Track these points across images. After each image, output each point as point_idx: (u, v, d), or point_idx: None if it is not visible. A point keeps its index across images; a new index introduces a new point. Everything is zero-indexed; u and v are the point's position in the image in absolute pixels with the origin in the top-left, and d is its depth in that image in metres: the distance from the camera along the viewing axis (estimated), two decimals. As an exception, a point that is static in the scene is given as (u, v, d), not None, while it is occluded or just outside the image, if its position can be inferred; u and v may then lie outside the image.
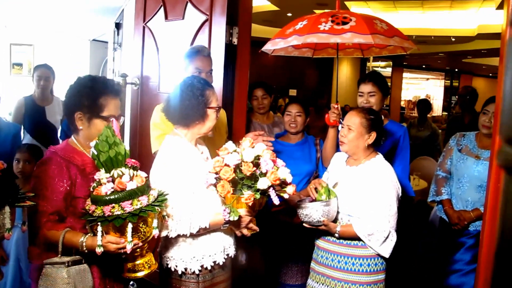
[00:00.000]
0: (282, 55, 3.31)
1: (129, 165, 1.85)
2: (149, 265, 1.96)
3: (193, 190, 2.18)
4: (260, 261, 3.27)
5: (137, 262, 1.94)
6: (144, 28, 3.78)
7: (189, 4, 3.35)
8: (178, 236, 2.13)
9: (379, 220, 2.32)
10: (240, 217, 2.12)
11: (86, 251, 1.88)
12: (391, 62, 17.52)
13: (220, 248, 2.27)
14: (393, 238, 2.36)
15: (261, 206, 2.24)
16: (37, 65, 4.79)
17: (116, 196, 1.75)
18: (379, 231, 2.31)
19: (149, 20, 3.72)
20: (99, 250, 1.79)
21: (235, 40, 3.19)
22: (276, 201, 2.09)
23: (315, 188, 2.45)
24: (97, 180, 1.82)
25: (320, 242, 2.55)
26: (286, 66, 13.54)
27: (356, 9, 9.84)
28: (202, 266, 2.22)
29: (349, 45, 3.28)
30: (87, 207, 1.82)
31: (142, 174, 1.89)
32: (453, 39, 12.16)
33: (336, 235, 2.39)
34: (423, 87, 22.04)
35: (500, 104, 0.53)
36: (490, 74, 19.86)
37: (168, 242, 2.22)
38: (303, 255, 2.99)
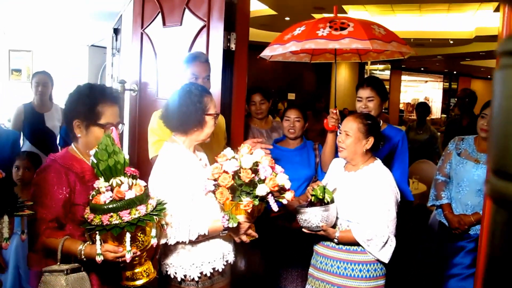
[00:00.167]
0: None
1: (128, 174, 1.85)
2: (147, 273, 1.96)
3: (192, 197, 2.18)
4: (260, 266, 3.27)
5: (136, 271, 1.94)
6: (142, 35, 3.78)
7: (186, 10, 3.36)
8: (177, 243, 2.13)
9: (378, 225, 2.31)
10: (239, 223, 2.12)
11: (84, 259, 1.89)
12: (389, 65, 17.57)
13: (219, 255, 2.27)
14: (392, 243, 2.36)
15: (260, 213, 2.24)
16: (35, 72, 4.80)
17: (114, 205, 1.75)
18: (378, 236, 2.31)
19: (147, 26, 3.73)
20: (99, 258, 1.79)
21: (233, 46, 3.19)
22: (275, 207, 2.10)
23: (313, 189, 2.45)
24: (96, 188, 1.83)
25: (318, 248, 2.55)
26: (285, 70, 13.56)
27: (354, 13, 9.86)
28: (201, 273, 2.22)
29: (347, 50, 3.28)
30: (86, 216, 1.83)
31: (141, 183, 1.89)
32: (451, 42, 12.19)
33: (335, 240, 2.39)
34: (422, 90, 22.06)
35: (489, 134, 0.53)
36: (489, 76, 19.90)
37: (167, 249, 2.22)
38: (303, 260, 2.99)
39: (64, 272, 1.87)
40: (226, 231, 2.18)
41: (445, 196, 3.19)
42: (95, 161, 1.83)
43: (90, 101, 2.05)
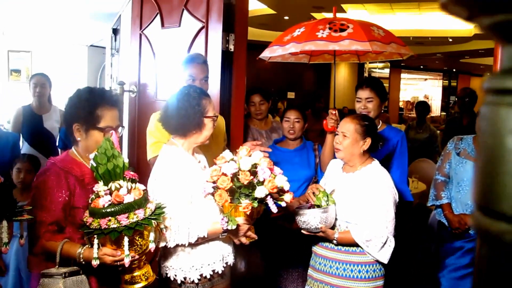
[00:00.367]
0: (280, 59, 3.32)
1: (128, 178, 1.86)
2: (146, 277, 1.97)
3: (191, 200, 2.18)
4: (260, 267, 3.27)
5: (135, 274, 1.94)
6: (140, 36, 3.78)
7: (185, 12, 3.35)
8: (177, 245, 2.13)
9: (376, 226, 2.32)
10: (238, 225, 2.12)
11: (83, 262, 1.90)
12: (389, 64, 17.56)
13: (219, 257, 2.27)
14: (391, 243, 2.36)
15: (259, 214, 2.24)
16: (33, 74, 4.80)
17: (112, 209, 1.76)
18: (377, 237, 2.31)
19: (145, 28, 3.72)
20: (94, 262, 1.80)
21: (231, 47, 3.19)
22: (274, 209, 2.09)
23: (313, 193, 2.46)
24: (96, 192, 1.83)
25: (318, 249, 2.55)
26: (284, 69, 13.56)
27: (353, 11, 9.85)
28: (201, 275, 2.22)
29: (346, 51, 3.29)
30: (85, 219, 1.83)
31: (141, 186, 1.90)
32: (450, 40, 12.18)
33: (334, 241, 2.39)
34: (421, 88, 22.06)
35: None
36: (488, 74, 19.84)
37: (167, 252, 2.22)
38: (303, 261, 2.99)
39: (62, 275, 1.88)
40: (226, 233, 2.18)
41: (445, 196, 3.19)
42: (95, 165, 1.83)
43: (90, 105, 2.06)
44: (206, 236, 2.13)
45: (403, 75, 19.68)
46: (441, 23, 10.89)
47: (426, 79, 22.07)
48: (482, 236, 0.49)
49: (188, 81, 2.71)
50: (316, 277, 2.53)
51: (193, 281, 2.21)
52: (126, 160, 1.91)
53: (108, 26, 6.32)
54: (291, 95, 14.29)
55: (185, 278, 2.20)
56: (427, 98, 20.00)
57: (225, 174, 2.07)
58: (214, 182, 2.09)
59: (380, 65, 17.70)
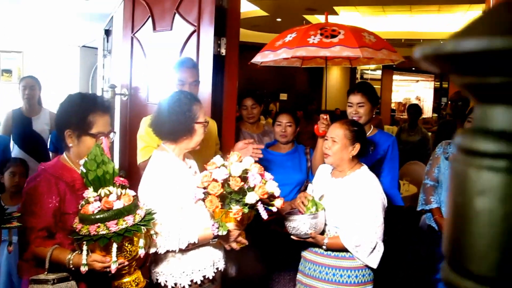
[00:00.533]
0: (272, 60, 3.33)
1: (118, 184, 1.86)
2: (136, 283, 1.97)
3: (182, 205, 2.18)
4: (252, 271, 3.27)
5: (125, 280, 1.94)
6: (132, 39, 3.77)
7: (177, 15, 3.35)
8: (168, 251, 2.13)
9: (366, 232, 2.33)
10: (229, 231, 2.13)
11: (73, 268, 1.89)
12: (381, 65, 17.61)
13: (209, 262, 2.27)
14: (380, 248, 2.37)
15: (250, 220, 2.24)
16: (22, 77, 4.78)
17: (102, 215, 1.76)
18: (366, 242, 2.32)
19: (137, 31, 3.72)
20: (83, 268, 1.80)
21: (223, 51, 3.19)
22: (264, 215, 2.10)
23: (303, 203, 2.46)
24: (86, 198, 1.83)
25: (307, 254, 2.56)
26: (277, 71, 13.57)
27: (345, 13, 9.88)
28: (191, 281, 2.22)
29: (338, 56, 3.30)
30: (74, 225, 1.83)
31: (131, 192, 1.90)
32: (442, 42, 12.23)
33: (324, 247, 2.40)
34: (413, 89, 22.12)
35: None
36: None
37: (157, 257, 2.22)
38: (295, 264, 3.00)
39: (51, 281, 1.88)
40: (216, 239, 2.18)
41: (434, 201, 3.21)
42: (84, 171, 1.83)
43: (81, 111, 2.06)
44: (196, 242, 2.13)
45: (395, 77, 19.74)
46: (433, 25, 10.97)
47: (418, 81, 22.15)
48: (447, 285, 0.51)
49: (178, 85, 2.72)
50: (305, 282, 2.53)
51: (183, 286, 2.20)
52: (116, 166, 1.91)
53: (100, 27, 6.29)
54: (283, 96, 14.30)
55: (175, 284, 2.20)
56: (419, 100, 20.08)
57: (215, 180, 2.07)
58: (204, 188, 2.09)
59: (372, 66, 17.75)
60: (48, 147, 4.58)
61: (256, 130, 3.83)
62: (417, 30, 11.22)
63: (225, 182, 2.09)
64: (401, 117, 17.23)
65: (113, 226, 1.74)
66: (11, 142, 4.43)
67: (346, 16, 9.99)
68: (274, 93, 13.82)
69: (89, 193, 1.82)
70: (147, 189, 2.17)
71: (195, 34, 3.22)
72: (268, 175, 2.18)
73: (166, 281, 2.21)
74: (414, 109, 6.48)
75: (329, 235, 2.43)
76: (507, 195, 0.44)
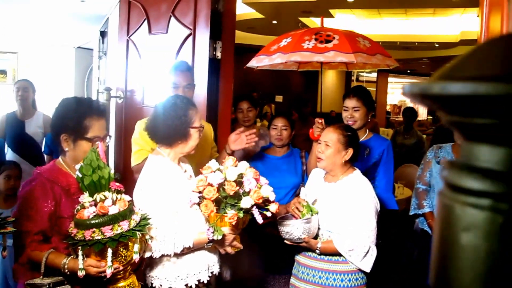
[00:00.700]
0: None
1: (113, 189, 1.86)
2: (132, 287, 1.97)
3: (177, 209, 2.18)
4: (246, 274, 3.27)
5: (120, 285, 1.95)
6: (128, 42, 3.78)
7: (172, 18, 3.35)
8: (162, 255, 2.13)
9: (359, 236, 2.34)
10: (224, 235, 2.13)
11: (68, 273, 1.89)
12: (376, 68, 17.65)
13: (204, 267, 2.27)
14: (373, 252, 2.38)
15: (245, 224, 2.25)
16: (17, 80, 4.79)
17: (97, 220, 1.76)
18: (359, 246, 2.33)
19: (133, 34, 3.72)
20: (80, 273, 1.80)
21: (218, 54, 3.20)
22: (259, 220, 2.11)
23: (297, 208, 2.47)
24: (81, 203, 1.83)
25: (300, 258, 2.57)
26: (272, 73, 13.58)
27: (341, 16, 9.91)
28: (186, 285, 2.22)
29: (332, 61, 3.32)
30: (70, 230, 1.83)
31: (126, 197, 1.90)
32: (437, 45, 12.31)
33: (317, 251, 2.41)
34: (408, 92, 22.22)
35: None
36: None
37: (152, 261, 2.22)
38: (290, 267, 3.00)
39: (46, 286, 1.88)
40: (211, 243, 2.18)
41: (427, 205, 3.23)
42: (80, 176, 1.83)
43: (77, 115, 2.06)
44: (191, 246, 2.13)
45: (390, 79, 19.81)
46: (428, 28, 11.03)
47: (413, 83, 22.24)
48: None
49: (172, 88, 2.72)
50: (298, 286, 2.54)
51: (178, 290, 2.21)
52: (112, 171, 1.91)
53: (95, 28, 6.28)
54: (279, 98, 14.32)
55: (170, 288, 2.20)
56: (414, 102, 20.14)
57: (211, 185, 2.08)
58: (200, 192, 2.09)
59: (368, 69, 17.80)
60: (43, 150, 4.57)
61: (251, 133, 3.83)
62: (412, 33, 11.27)
63: (221, 187, 2.09)
64: (396, 119, 17.29)
65: (108, 232, 1.74)
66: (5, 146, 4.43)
67: (342, 19, 10.02)
68: (270, 95, 13.84)
69: (85, 198, 1.83)
70: (142, 193, 2.17)
71: (191, 37, 3.23)
72: (263, 180, 2.19)
73: (161, 285, 2.20)
74: (410, 112, 6.51)
75: (323, 239, 2.44)
76: (491, 232, 0.44)
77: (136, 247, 1.87)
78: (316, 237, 2.43)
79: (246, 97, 3.80)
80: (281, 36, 2.83)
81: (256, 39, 11.22)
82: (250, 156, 3.25)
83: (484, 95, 0.41)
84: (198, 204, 2.09)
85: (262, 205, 2.16)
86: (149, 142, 2.42)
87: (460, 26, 10.50)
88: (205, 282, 2.27)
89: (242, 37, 10.60)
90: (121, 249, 1.84)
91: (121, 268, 1.87)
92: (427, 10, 9.64)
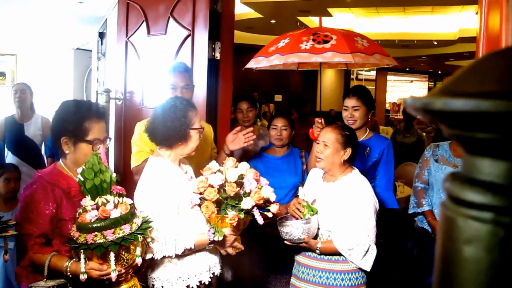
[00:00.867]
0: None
1: (115, 192, 1.86)
2: (133, 289, 1.97)
3: (178, 211, 2.19)
4: (248, 274, 3.28)
5: (122, 287, 1.95)
6: (126, 43, 3.78)
7: (171, 19, 3.36)
8: (164, 257, 2.13)
9: (358, 235, 2.34)
10: (224, 236, 2.13)
11: (70, 275, 1.90)
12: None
13: (205, 268, 2.28)
14: (373, 251, 2.39)
15: (246, 225, 2.25)
16: (15, 83, 4.81)
17: (99, 224, 1.77)
18: (359, 245, 2.34)
19: (131, 35, 3.72)
20: (82, 277, 1.81)
21: (217, 55, 3.20)
22: (260, 220, 2.11)
23: (298, 209, 2.48)
24: (83, 206, 1.84)
25: (300, 258, 2.57)
26: (271, 72, 13.55)
27: (340, 15, 9.90)
28: (188, 286, 2.22)
29: (330, 61, 3.33)
30: (72, 233, 1.84)
31: (128, 201, 1.90)
32: (435, 43, 12.31)
33: (317, 251, 2.41)
34: (407, 89, 22.24)
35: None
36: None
37: (154, 263, 2.22)
38: (291, 267, 3.01)
39: None
40: (212, 244, 2.19)
41: (426, 203, 3.23)
42: (82, 179, 1.83)
43: (77, 118, 2.07)
44: (193, 247, 2.14)
45: (389, 77, 19.83)
46: (426, 26, 11.02)
47: (412, 81, 22.26)
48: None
49: (170, 90, 2.73)
50: (299, 286, 2.54)
51: (180, 292, 2.21)
52: (114, 175, 1.92)
53: (94, 29, 6.28)
54: (278, 98, 14.31)
55: (171, 289, 2.21)
56: (413, 100, 20.13)
57: (211, 186, 2.08)
58: (200, 194, 2.10)
59: (367, 67, 17.81)
60: (45, 152, 4.59)
61: (251, 133, 3.83)
62: (411, 31, 11.27)
63: (221, 188, 2.10)
64: (396, 117, 17.29)
65: (110, 235, 1.75)
66: (5, 149, 4.45)
67: (340, 17, 10.02)
68: (269, 94, 13.83)
69: (87, 201, 1.83)
70: (143, 195, 2.17)
71: (190, 38, 3.23)
72: (263, 180, 2.19)
73: (162, 287, 2.21)
74: (409, 111, 6.50)
75: (322, 239, 2.44)
76: (493, 245, 0.45)
77: (138, 250, 1.88)
78: (315, 237, 2.44)
79: (246, 97, 3.81)
80: (279, 37, 2.84)
81: (255, 39, 11.21)
82: (250, 156, 3.26)
83: (486, 112, 0.42)
84: (199, 205, 2.10)
85: (263, 205, 2.16)
86: (149, 144, 2.43)
87: (458, 23, 10.50)
88: (207, 283, 2.28)
89: (241, 37, 10.59)
90: (123, 252, 1.84)
91: (123, 271, 1.87)
92: (425, 8, 9.64)
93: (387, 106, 19.79)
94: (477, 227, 0.46)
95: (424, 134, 7.10)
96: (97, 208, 1.81)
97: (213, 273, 2.32)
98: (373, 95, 3.91)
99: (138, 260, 1.89)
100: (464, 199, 0.48)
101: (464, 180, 0.49)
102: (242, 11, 9.00)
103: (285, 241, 2.45)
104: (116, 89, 3.97)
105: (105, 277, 1.84)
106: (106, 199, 1.82)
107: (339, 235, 2.38)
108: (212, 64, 3.19)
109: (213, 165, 2.18)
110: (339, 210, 2.40)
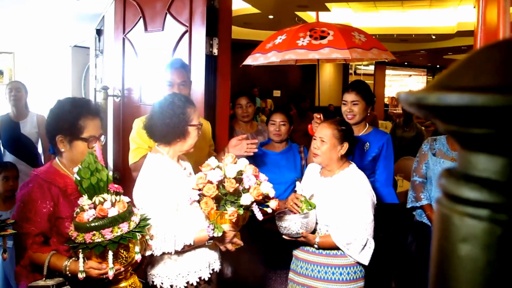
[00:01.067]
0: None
1: (112, 191, 1.86)
2: (133, 287, 1.97)
3: (177, 207, 2.19)
4: (248, 270, 3.28)
5: (121, 285, 1.96)
6: (124, 40, 3.76)
7: (168, 15, 3.34)
8: (163, 253, 2.14)
9: (356, 229, 2.35)
10: (224, 232, 2.13)
11: (69, 275, 1.90)
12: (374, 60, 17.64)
13: (205, 264, 2.28)
14: (371, 245, 2.39)
15: (245, 221, 2.25)
16: (8, 82, 4.80)
17: (97, 223, 1.77)
18: (357, 239, 2.34)
19: (129, 32, 3.70)
20: (81, 275, 1.81)
21: (215, 51, 3.19)
22: (259, 216, 2.11)
23: (296, 204, 2.48)
24: (80, 206, 1.83)
25: (298, 253, 2.58)
26: (270, 67, 13.52)
27: (337, 10, 9.88)
28: (187, 282, 2.23)
29: (327, 58, 3.32)
30: (70, 233, 1.83)
31: (125, 199, 1.90)
32: (434, 37, 12.30)
33: (315, 246, 2.42)
34: (406, 84, 22.25)
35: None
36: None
37: (153, 259, 2.23)
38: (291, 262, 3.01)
39: None
40: (212, 240, 2.19)
41: (424, 197, 3.23)
42: (79, 179, 1.83)
43: (72, 116, 2.07)
44: (192, 243, 2.14)
45: (388, 72, 19.82)
46: (424, 20, 11.01)
47: (410, 75, 22.26)
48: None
49: (167, 86, 2.72)
50: (297, 280, 2.55)
51: (179, 288, 2.21)
52: (111, 167, 1.92)
53: (91, 26, 6.25)
54: (277, 93, 14.29)
55: (171, 286, 2.21)
56: (412, 94, 20.13)
57: (210, 182, 2.08)
58: (199, 190, 2.09)
59: (365, 62, 17.79)
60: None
61: (250, 129, 3.84)
62: (409, 25, 11.25)
63: (220, 184, 2.09)
64: (394, 111, 17.29)
65: (108, 234, 1.75)
66: (1, 148, 4.45)
67: (338, 12, 10.00)
68: (268, 90, 13.80)
69: (84, 200, 1.83)
70: (142, 192, 2.17)
71: (187, 34, 3.22)
72: (262, 176, 2.19)
73: (162, 283, 2.22)
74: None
75: (320, 233, 2.45)
76: (490, 243, 0.44)
77: (137, 248, 1.88)
78: (313, 231, 2.44)
79: (245, 93, 3.81)
80: (276, 33, 2.83)
81: (252, 34, 11.19)
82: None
83: (481, 107, 0.41)
84: (198, 201, 2.09)
85: (262, 201, 2.16)
86: (147, 140, 2.42)
87: (456, 17, 10.49)
88: (206, 279, 2.28)
89: (238, 32, 10.57)
90: (122, 251, 1.84)
91: (122, 269, 1.88)
92: (423, 2, 9.62)
93: (386, 100, 19.79)
94: (473, 225, 0.45)
95: (424, 128, 7.11)
96: (95, 207, 1.81)
97: (212, 269, 2.33)
98: (372, 90, 3.92)
99: (138, 257, 1.89)
100: (459, 196, 0.47)
101: (459, 176, 0.48)
102: (239, 6, 8.98)
103: (283, 236, 2.45)
104: (114, 86, 3.95)
105: (104, 276, 1.85)
106: (103, 198, 1.82)
107: (337, 229, 2.38)
108: (210, 60, 3.18)
109: (212, 161, 2.18)
110: (337, 205, 2.40)
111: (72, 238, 1.81)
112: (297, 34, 2.64)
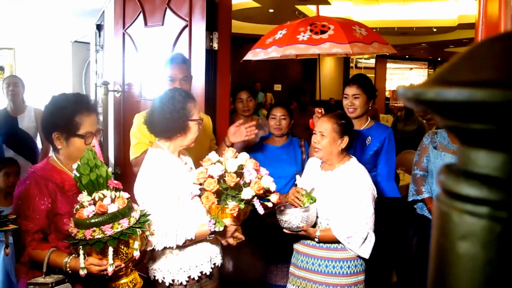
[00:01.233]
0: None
1: (111, 187, 1.86)
2: (133, 283, 1.98)
3: (178, 202, 2.19)
4: (249, 265, 3.29)
5: (122, 281, 1.95)
6: (124, 35, 3.75)
7: (168, 10, 3.33)
8: (165, 248, 2.14)
9: (357, 223, 2.35)
10: (225, 227, 2.14)
11: (69, 271, 1.90)
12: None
13: (206, 258, 2.29)
14: (371, 239, 2.39)
15: (246, 215, 2.26)
16: (5, 77, 4.78)
17: (96, 219, 1.76)
18: (357, 233, 2.35)
19: (128, 27, 3.69)
20: (82, 272, 1.81)
21: (215, 45, 3.18)
22: (260, 210, 2.11)
23: (297, 198, 2.49)
24: (80, 202, 1.83)
25: (299, 247, 2.58)
26: (270, 62, 13.48)
27: (338, 3, 9.84)
28: (189, 277, 2.23)
29: (327, 53, 3.31)
30: (70, 230, 1.83)
31: (125, 195, 1.90)
32: (435, 30, 12.26)
33: (316, 239, 2.42)
34: (407, 77, 22.20)
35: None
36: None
37: (155, 254, 2.23)
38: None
39: (49, 285, 1.88)
40: (213, 235, 2.19)
41: (425, 190, 3.24)
42: (78, 175, 1.83)
43: (67, 113, 2.05)
44: (193, 238, 2.14)
45: (389, 65, 19.77)
46: (426, 13, 10.97)
47: (411, 68, 22.21)
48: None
49: (168, 82, 2.71)
50: (298, 274, 2.56)
51: (181, 283, 2.22)
52: (112, 163, 1.92)
53: (92, 22, 6.24)
54: (277, 87, 14.27)
55: (173, 280, 2.22)
56: (413, 87, 20.10)
57: (211, 176, 2.08)
58: (200, 184, 2.10)
59: (366, 55, 17.75)
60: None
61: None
62: (410, 18, 11.22)
63: (221, 178, 2.09)
64: (395, 105, 17.27)
65: (109, 230, 1.75)
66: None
67: (338, 5, 9.96)
68: (268, 84, 13.78)
69: (83, 197, 1.82)
70: (143, 187, 2.18)
71: (187, 29, 3.21)
72: (263, 170, 2.19)
73: (163, 278, 2.22)
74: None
75: (321, 227, 2.45)
76: (489, 241, 0.43)
77: (137, 244, 1.88)
78: (314, 225, 2.45)
79: (246, 87, 3.80)
80: (277, 28, 2.82)
81: (253, 29, 11.16)
82: (250, 146, 3.25)
83: (481, 102, 0.40)
84: (199, 196, 2.10)
85: (263, 195, 2.16)
86: (147, 135, 2.42)
87: (457, 10, 10.45)
88: (208, 273, 2.29)
89: (239, 27, 10.53)
90: (122, 247, 1.84)
91: (123, 265, 1.88)
92: (424, -5, 9.60)
93: (387, 94, 19.75)
94: (472, 222, 0.45)
95: (425, 121, 7.10)
96: (94, 204, 1.80)
97: (214, 264, 2.33)
98: (373, 83, 3.91)
99: (137, 254, 1.89)
100: (459, 192, 0.46)
101: (459, 172, 0.47)
102: (239, 0, 8.95)
103: (284, 230, 2.45)
104: (114, 81, 3.95)
105: (104, 272, 1.85)
106: (103, 194, 1.81)
107: (337, 223, 2.39)
108: (210, 54, 3.17)
109: (213, 155, 2.18)
110: (338, 199, 2.40)
111: (72, 234, 1.80)
112: (297, 29, 2.63)
